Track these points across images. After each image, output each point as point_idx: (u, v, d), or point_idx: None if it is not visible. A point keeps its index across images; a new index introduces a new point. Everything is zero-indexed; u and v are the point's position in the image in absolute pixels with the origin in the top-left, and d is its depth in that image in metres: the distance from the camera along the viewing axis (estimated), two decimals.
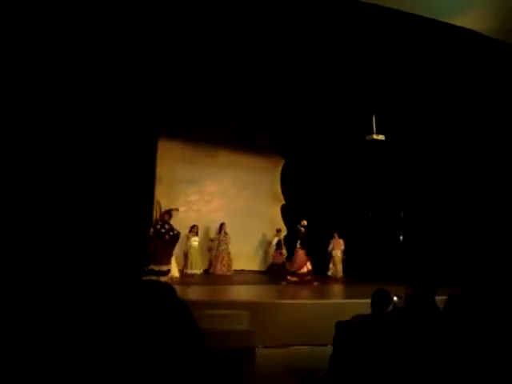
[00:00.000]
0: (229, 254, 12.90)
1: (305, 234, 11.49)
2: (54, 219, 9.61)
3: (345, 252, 13.25)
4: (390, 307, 4.26)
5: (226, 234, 13.01)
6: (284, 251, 13.27)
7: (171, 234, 9.99)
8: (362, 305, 4.98)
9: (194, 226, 12.60)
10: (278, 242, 13.49)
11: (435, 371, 3.03)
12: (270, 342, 7.37)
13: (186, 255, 12.43)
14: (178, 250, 11.52)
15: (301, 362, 6.68)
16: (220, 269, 12.65)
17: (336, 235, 13.22)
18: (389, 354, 3.24)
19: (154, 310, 2.49)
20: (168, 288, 3.01)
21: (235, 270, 13.00)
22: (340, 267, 13.10)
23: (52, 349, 2.29)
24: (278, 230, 13.75)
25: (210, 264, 12.90)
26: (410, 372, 3.11)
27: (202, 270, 12.54)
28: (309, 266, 11.28)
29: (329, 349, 4.31)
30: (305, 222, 11.64)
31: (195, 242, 12.51)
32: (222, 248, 12.81)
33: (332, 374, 4.01)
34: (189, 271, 12.17)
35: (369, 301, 4.24)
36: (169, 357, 2.23)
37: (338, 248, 13.20)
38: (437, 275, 9.98)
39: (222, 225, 13.00)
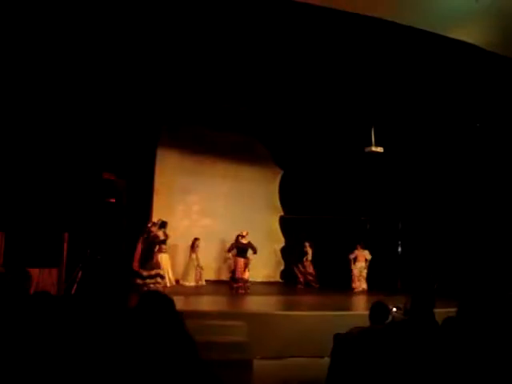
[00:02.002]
0: None
1: (244, 243, 11.93)
2: (50, 225, 9.61)
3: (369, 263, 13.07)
4: (389, 319, 4.25)
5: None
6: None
7: (149, 240, 10.91)
8: (360, 316, 4.97)
9: (196, 239, 12.77)
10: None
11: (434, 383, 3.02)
12: (267, 353, 7.33)
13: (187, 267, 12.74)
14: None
15: (298, 374, 6.64)
16: None
17: (359, 246, 13.06)
18: (387, 367, 3.22)
19: (149, 320, 2.49)
20: (165, 299, 3.01)
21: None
22: (362, 279, 12.91)
23: (51, 355, 2.29)
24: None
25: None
26: None
27: (204, 282, 12.73)
28: (247, 273, 11.81)
29: (327, 361, 4.29)
30: (244, 233, 11.97)
31: (196, 254, 12.73)
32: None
33: None
34: (186, 283, 12.47)
35: (367, 312, 4.23)
36: (160, 366, 2.23)
37: (361, 260, 12.98)
38: (435, 287, 9.99)
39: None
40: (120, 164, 11.50)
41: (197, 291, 11.61)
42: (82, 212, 10.36)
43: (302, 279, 13.41)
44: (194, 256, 12.67)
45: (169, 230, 12.00)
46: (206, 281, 12.95)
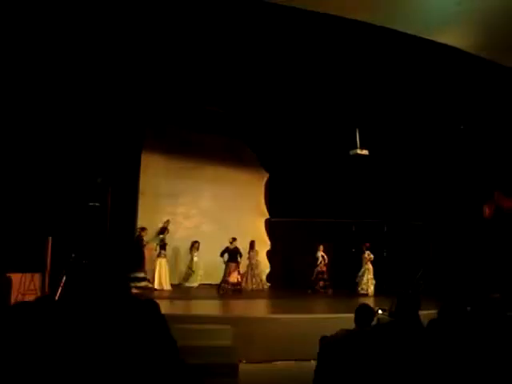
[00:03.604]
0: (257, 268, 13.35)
1: (234, 249, 12.38)
2: (33, 229, 9.51)
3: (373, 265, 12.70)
4: (374, 321, 4.25)
5: (256, 250, 13.35)
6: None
7: (137, 245, 11.53)
8: (346, 319, 4.97)
9: (195, 242, 12.82)
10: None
11: None
12: (253, 356, 7.31)
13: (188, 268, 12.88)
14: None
15: (284, 378, 6.63)
16: (254, 283, 13.03)
17: (363, 248, 12.85)
18: (373, 369, 3.23)
19: (134, 324, 2.47)
20: (150, 303, 2.98)
21: (215, 284, 13.08)
22: (370, 283, 12.51)
23: (37, 358, 2.26)
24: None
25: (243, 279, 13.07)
26: None
27: (198, 283, 12.81)
28: (238, 276, 12.33)
29: (313, 364, 4.28)
30: (231, 239, 12.44)
31: (196, 257, 12.80)
32: (253, 264, 13.15)
33: None
34: (187, 284, 12.66)
35: (352, 315, 4.23)
36: (143, 368, 2.21)
37: (366, 262, 12.68)
38: (420, 289, 10.03)
39: (252, 242, 13.24)
40: (104, 167, 11.42)
41: (183, 295, 11.54)
42: (65, 216, 10.26)
43: (320, 283, 13.16)
44: (194, 258, 12.78)
45: (154, 233, 12.44)
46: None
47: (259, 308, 10.64)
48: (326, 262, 13.22)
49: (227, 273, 12.16)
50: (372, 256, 12.71)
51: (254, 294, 12.13)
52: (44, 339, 2.39)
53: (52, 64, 8.91)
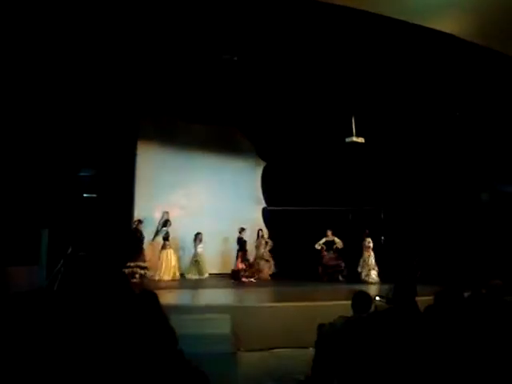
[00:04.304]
0: (269, 257, 13.46)
1: (243, 239, 12.93)
2: (29, 222, 9.51)
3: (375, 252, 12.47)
4: (372, 308, 4.28)
5: (263, 238, 13.55)
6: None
7: (135, 237, 11.68)
8: (344, 306, 5.00)
9: (199, 233, 12.83)
10: (328, 243, 13.21)
11: (418, 372, 3.05)
12: (251, 345, 7.34)
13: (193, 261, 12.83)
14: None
15: (283, 365, 6.66)
16: (262, 272, 13.18)
17: (364, 236, 12.67)
18: (371, 356, 3.25)
19: (131, 316, 2.48)
20: (149, 294, 2.99)
21: (214, 274, 13.23)
22: (372, 271, 12.23)
23: (37, 349, 2.27)
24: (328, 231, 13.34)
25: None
26: (392, 373, 3.12)
27: (207, 274, 12.84)
28: (243, 263, 12.68)
29: (311, 351, 4.31)
30: (240, 229, 12.92)
31: (201, 248, 12.82)
32: (260, 252, 13.30)
33: (314, 377, 4.01)
34: (193, 276, 12.57)
35: (349, 302, 4.25)
36: (142, 357, 2.23)
37: (366, 249, 12.51)
38: (417, 275, 10.06)
39: (259, 230, 13.57)
40: (99, 157, 11.42)
41: (183, 285, 11.56)
42: (62, 208, 10.26)
43: (322, 270, 13.04)
44: (198, 250, 12.78)
45: (152, 223, 12.57)
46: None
47: (258, 297, 10.66)
48: (340, 246, 13.06)
49: (239, 261, 12.61)
50: (371, 244, 12.59)
51: (253, 283, 12.18)
52: (42, 331, 2.40)
53: (46, 54, 8.85)
